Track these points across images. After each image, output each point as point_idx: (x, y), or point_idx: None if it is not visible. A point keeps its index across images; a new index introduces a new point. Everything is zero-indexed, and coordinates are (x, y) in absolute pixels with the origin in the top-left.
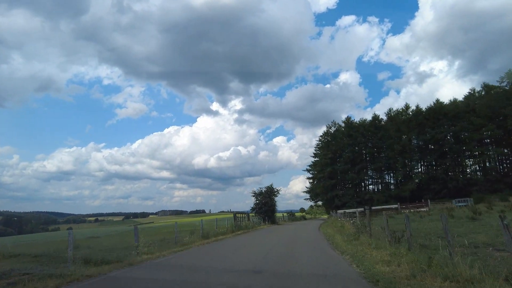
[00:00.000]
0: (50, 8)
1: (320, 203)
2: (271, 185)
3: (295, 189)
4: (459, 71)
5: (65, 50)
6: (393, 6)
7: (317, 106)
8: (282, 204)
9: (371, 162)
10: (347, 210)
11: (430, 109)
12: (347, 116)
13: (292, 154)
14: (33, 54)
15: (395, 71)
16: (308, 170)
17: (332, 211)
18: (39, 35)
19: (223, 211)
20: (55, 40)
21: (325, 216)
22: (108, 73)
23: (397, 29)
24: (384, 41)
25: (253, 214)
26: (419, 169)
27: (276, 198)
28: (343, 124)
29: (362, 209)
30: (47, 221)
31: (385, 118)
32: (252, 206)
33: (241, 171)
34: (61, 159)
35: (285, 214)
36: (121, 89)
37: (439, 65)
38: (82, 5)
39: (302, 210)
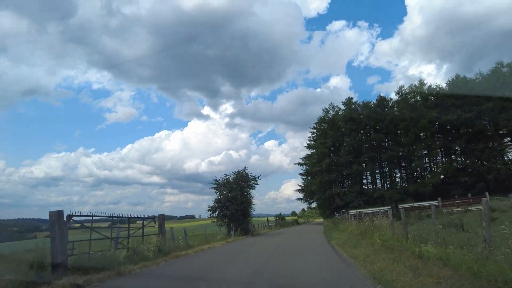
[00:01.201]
0: (37, 10)
1: (314, 204)
2: (244, 169)
3: (286, 193)
4: (447, 74)
5: (53, 53)
6: (383, 11)
7: (308, 110)
8: (273, 208)
9: (379, 151)
10: (364, 210)
11: (453, 84)
12: (348, 97)
13: (284, 158)
14: (20, 57)
15: (385, 75)
16: (300, 164)
17: (334, 213)
18: (26, 38)
19: (212, 216)
20: (43, 43)
21: (320, 220)
22: (98, 77)
23: (386, 34)
24: (373, 45)
25: (214, 220)
26: (442, 159)
27: (267, 202)
28: (343, 107)
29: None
30: (29, 228)
31: (395, 98)
32: (210, 205)
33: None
34: (49, 164)
35: (272, 218)
36: (111, 93)
37: (428, 69)
38: (70, 8)
39: (293, 213)
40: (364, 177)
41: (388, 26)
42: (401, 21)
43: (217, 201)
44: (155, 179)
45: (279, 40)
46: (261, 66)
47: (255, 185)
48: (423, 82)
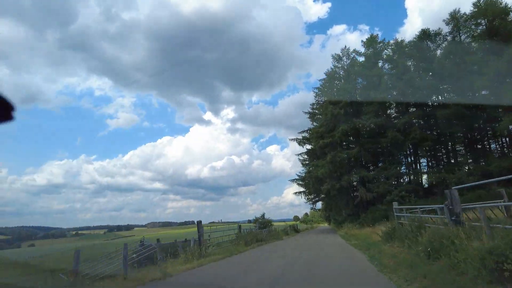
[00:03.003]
0: (36, 18)
1: (319, 206)
2: None
3: (289, 198)
4: None
5: (52, 60)
6: (383, 14)
7: None
8: (276, 213)
9: (432, 109)
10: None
11: None
12: (371, 35)
13: (286, 162)
14: (19, 65)
15: None
16: (299, 142)
17: (359, 213)
18: (25, 45)
19: (213, 222)
20: (42, 50)
21: (326, 225)
22: (99, 84)
23: (387, 37)
24: None
25: None
26: None
27: (269, 207)
28: (362, 49)
29: None
30: (27, 236)
31: (445, 30)
32: None
33: (235, 181)
34: (51, 171)
35: (247, 224)
36: (112, 100)
37: None
38: (69, 14)
39: (296, 218)
40: (408, 152)
41: (389, 29)
42: (401, 23)
43: None
44: (157, 185)
45: (279, 45)
46: (261, 71)
47: None
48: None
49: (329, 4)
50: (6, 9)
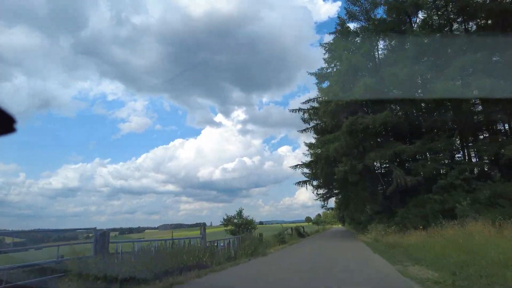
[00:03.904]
0: (49, 24)
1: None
2: None
3: (302, 199)
4: None
5: (65, 65)
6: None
7: None
8: (289, 214)
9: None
10: None
11: None
12: None
13: (298, 163)
14: (34, 71)
15: None
16: (303, 115)
17: (393, 213)
18: (39, 52)
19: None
20: (56, 56)
21: (339, 226)
22: (112, 88)
23: None
24: None
25: None
26: None
27: (281, 209)
28: None
29: None
30: (41, 239)
31: None
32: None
33: (246, 182)
34: (66, 175)
35: (226, 227)
36: (124, 104)
37: None
38: (81, 20)
39: (307, 219)
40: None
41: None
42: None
43: None
44: (170, 187)
45: (289, 44)
46: (271, 71)
47: None
48: None
49: (339, 3)
50: (22, 16)
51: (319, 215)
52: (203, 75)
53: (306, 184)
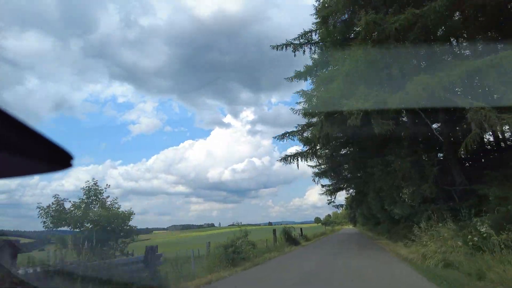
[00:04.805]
0: (60, 28)
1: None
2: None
3: (312, 200)
4: None
5: (76, 68)
6: None
7: None
8: (298, 215)
9: None
10: None
11: None
12: None
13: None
14: (46, 75)
15: None
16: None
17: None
18: (51, 56)
19: (232, 224)
20: (67, 59)
21: (350, 227)
22: (122, 90)
23: None
24: None
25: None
26: None
27: (291, 209)
28: None
29: None
30: (49, 239)
31: None
32: None
33: (256, 183)
34: (78, 177)
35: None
36: (134, 106)
37: None
38: (90, 23)
39: (317, 220)
40: None
41: None
42: None
43: None
44: (181, 188)
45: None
46: (279, 71)
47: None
48: None
49: None
50: (34, 22)
51: (329, 215)
52: (211, 76)
53: (297, 159)
